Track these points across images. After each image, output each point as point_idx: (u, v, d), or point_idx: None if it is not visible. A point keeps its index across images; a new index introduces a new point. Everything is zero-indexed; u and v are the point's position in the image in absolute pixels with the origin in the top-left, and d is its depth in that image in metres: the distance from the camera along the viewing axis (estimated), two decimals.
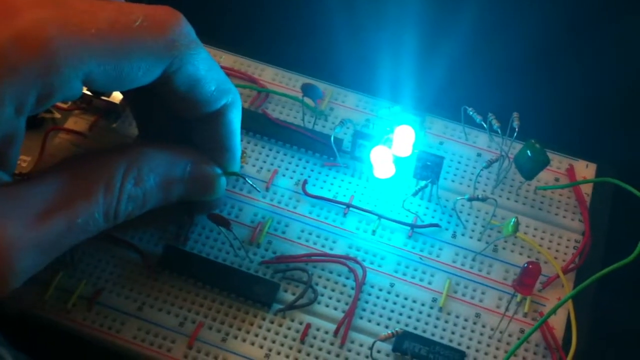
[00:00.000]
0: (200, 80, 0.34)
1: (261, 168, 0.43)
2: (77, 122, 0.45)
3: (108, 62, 0.30)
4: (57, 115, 0.45)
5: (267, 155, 0.44)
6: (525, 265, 0.35)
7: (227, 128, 0.37)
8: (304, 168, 0.43)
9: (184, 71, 0.33)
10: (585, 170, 0.43)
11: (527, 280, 0.35)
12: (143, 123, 0.40)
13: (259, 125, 0.44)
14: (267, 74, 0.47)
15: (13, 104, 0.29)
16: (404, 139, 0.40)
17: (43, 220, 0.31)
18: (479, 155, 0.44)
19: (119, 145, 0.37)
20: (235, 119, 0.37)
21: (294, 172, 0.43)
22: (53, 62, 0.28)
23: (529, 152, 0.39)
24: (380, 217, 0.41)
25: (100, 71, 0.30)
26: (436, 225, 0.41)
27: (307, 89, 0.43)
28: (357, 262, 0.39)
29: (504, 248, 0.40)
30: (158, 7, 0.32)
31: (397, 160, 0.41)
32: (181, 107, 0.35)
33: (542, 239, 0.41)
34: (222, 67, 0.46)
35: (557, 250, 0.40)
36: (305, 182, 0.42)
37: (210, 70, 0.34)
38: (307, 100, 0.44)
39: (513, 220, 0.37)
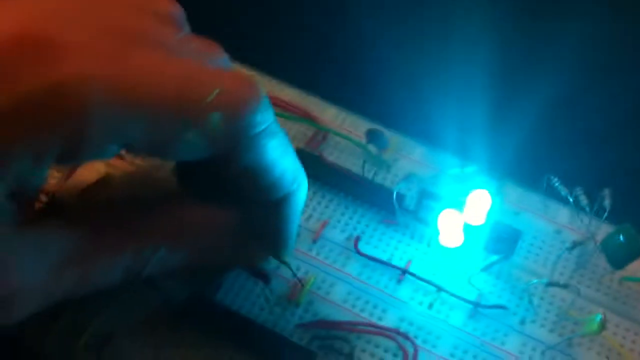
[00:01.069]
0: (260, 169, 0.28)
1: (310, 216, 0.38)
2: None
3: (156, 137, 0.25)
4: None
5: (319, 203, 0.39)
6: None
7: (283, 217, 0.31)
8: (358, 222, 0.38)
9: (243, 159, 0.27)
10: None
11: None
12: (184, 175, 0.35)
13: (312, 168, 0.39)
14: (329, 114, 0.43)
15: (29, 157, 0.24)
16: (479, 205, 0.35)
17: (55, 271, 0.26)
18: (558, 232, 0.38)
19: (159, 202, 0.32)
20: (295, 209, 0.31)
21: (347, 225, 0.38)
22: (85, 128, 0.23)
23: (621, 237, 0.34)
24: (439, 289, 0.36)
25: (142, 142, 0.25)
26: (503, 307, 0.35)
27: (372, 135, 0.38)
28: (408, 338, 0.34)
29: (579, 344, 0.35)
30: (237, 77, 0.26)
31: (467, 228, 0.35)
32: (232, 186, 0.30)
33: (625, 339, 0.35)
34: (281, 101, 0.42)
35: None
36: (358, 238, 0.37)
37: (277, 160, 0.28)
38: (370, 147, 0.39)
39: (599, 317, 0.32)
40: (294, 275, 0.35)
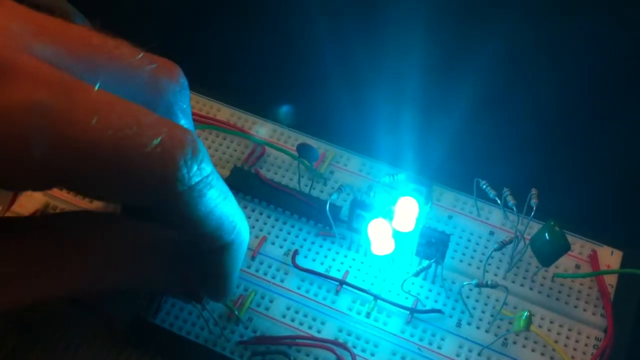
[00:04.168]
0: (197, 219, 0.27)
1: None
2: None
3: (88, 177, 0.24)
4: None
5: (257, 220, 0.40)
6: None
7: (222, 265, 0.31)
8: (296, 237, 0.39)
9: (179, 208, 0.27)
10: (610, 257, 0.38)
11: None
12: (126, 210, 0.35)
13: (249, 185, 0.40)
14: (265, 130, 0.43)
15: None
16: (406, 212, 0.35)
17: None
18: (491, 233, 0.39)
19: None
20: (234, 257, 0.31)
21: (285, 240, 0.39)
22: (22, 155, 0.23)
23: (547, 235, 0.35)
24: (376, 297, 0.36)
25: (74, 179, 0.25)
26: (439, 311, 0.36)
27: (302, 149, 0.39)
28: (346, 348, 0.35)
29: (514, 342, 0.35)
30: (177, 127, 0.26)
31: (398, 235, 0.36)
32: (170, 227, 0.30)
33: (558, 334, 0.36)
34: (217, 121, 0.42)
35: (574, 349, 0.35)
36: (296, 252, 0.38)
37: (214, 210, 0.28)
38: (302, 161, 0.40)
39: (525, 314, 0.32)
40: (234, 312, 0.36)
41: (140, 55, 0.27)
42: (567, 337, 0.36)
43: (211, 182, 0.27)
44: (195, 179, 0.26)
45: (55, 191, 0.40)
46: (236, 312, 0.36)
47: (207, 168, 0.27)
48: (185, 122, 0.29)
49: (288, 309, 0.36)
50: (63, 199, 0.40)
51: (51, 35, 0.25)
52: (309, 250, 0.38)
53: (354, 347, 0.35)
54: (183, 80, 0.29)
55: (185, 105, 0.29)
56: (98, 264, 0.29)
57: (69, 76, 0.24)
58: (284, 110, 0.42)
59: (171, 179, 0.25)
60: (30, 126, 0.22)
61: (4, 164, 0.23)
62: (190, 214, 0.27)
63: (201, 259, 0.31)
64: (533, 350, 0.35)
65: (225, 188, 0.28)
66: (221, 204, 0.28)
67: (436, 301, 0.37)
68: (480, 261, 0.38)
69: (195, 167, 0.26)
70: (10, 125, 0.22)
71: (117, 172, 0.24)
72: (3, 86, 0.22)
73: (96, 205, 0.40)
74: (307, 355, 0.35)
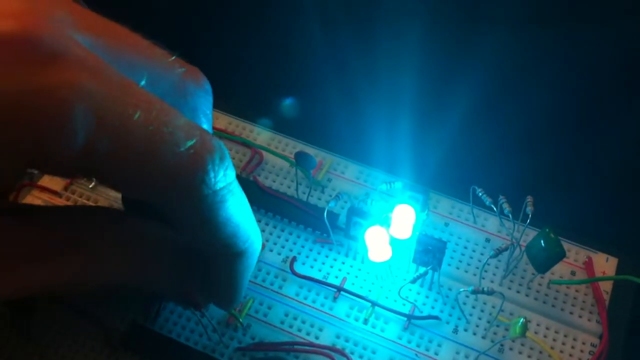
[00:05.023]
0: (216, 224, 0.28)
1: None
2: (52, 179, 0.41)
3: (118, 165, 0.25)
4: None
5: None
6: None
7: (233, 274, 0.31)
8: (294, 244, 0.39)
9: (200, 211, 0.27)
10: (606, 264, 0.39)
11: None
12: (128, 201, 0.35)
13: (247, 193, 0.40)
14: (263, 138, 0.44)
15: None
16: (403, 220, 0.36)
17: None
18: (487, 240, 0.39)
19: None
20: (246, 266, 0.31)
21: (283, 247, 0.39)
22: (59, 133, 0.23)
23: (542, 242, 0.35)
24: (373, 304, 0.37)
25: (105, 167, 0.25)
26: (436, 317, 0.36)
27: (300, 157, 0.39)
28: (343, 354, 0.35)
29: (511, 349, 0.36)
30: (205, 132, 0.27)
31: (395, 243, 0.36)
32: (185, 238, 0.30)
33: (554, 340, 0.36)
34: (215, 128, 0.43)
35: (570, 355, 0.36)
36: (294, 259, 0.38)
37: (233, 216, 0.28)
38: (299, 169, 0.40)
39: (521, 320, 0.33)
40: (239, 321, 0.36)
41: (172, 58, 0.28)
42: (563, 344, 0.36)
43: (233, 190, 0.28)
44: (220, 185, 0.27)
45: (56, 199, 0.41)
46: (240, 320, 0.36)
47: (232, 175, 0.27)
48: (207, 127, 0.30)
49: (286, 315, 0.37)
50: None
51: (92, 28, 0.26)
52: (307, 257, 0.39)
53: (352, 353, 0.35)
54: (208, 87, 0.30)
55: (208, 111, 0.30)
56: (97, 259, 0.30)
57: (113, 69, 0.25)
58: (286, 104, 0.43)
59: (198, 181, 0.26)
60: (75, 106, 0.23)
61: (47, 141, 0.23)
62: (210, 218, 0.28)
63: (207, 266, 0.31)
64: (529, 357, 0.36)
65: (244, 198, 0.29)
66: (239, 213, 0.29)
67: (433, 307, 0.37)
68: (477, 268, 0.38)
69: (221, 173, 0.27)
70: (57, 102, 0.23)
71: (149, 167, 0.25)
72: (51, 67, 0.23)
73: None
74: None
